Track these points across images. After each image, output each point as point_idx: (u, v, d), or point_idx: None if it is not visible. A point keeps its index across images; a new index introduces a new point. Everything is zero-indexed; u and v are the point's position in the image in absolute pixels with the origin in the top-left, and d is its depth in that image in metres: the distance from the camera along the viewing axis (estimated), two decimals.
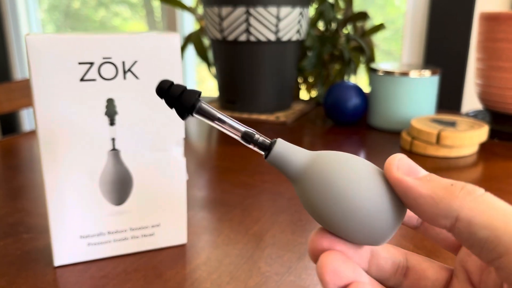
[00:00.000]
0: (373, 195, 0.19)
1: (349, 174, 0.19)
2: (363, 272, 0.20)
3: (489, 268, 0.20)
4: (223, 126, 0.21)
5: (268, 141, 0.21)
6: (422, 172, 0.19)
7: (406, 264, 0.22)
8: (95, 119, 0.34)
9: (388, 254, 0.22)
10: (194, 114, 0.21)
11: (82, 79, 0.33)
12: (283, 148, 0.21)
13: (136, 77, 0.34)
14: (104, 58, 0.33)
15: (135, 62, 0.34)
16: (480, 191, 0.17)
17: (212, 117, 0.21)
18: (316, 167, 0.20)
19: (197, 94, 0.21)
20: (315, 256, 0.21)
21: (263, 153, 0.21)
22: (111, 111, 0.34)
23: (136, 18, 2.06)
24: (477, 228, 0.17)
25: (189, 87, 0.21)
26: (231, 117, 0.21)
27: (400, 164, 0.19)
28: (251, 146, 0.21)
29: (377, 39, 1.26)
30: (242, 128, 0.21)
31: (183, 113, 0.21)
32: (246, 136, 0.21)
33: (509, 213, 0.16)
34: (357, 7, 1.01)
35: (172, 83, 0.21)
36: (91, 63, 0.33)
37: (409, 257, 0.22)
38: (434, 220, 0.18)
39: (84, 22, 2.07)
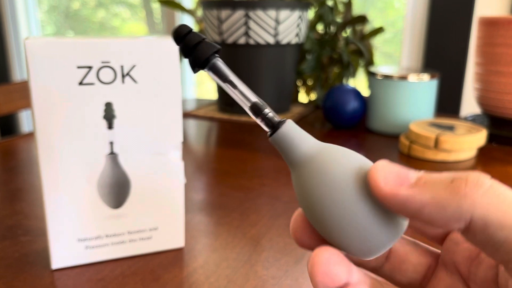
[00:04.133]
0: (373, 206, 0.17)
1: (352, 179, 0.18)
2: (355, 269, 0.19)
3: (478, 259, 0.19)
4: (233, 90, 0.20)
5: (277, 119, 0.20)
6: (412, 174, 0.17)
7: None
8: (94, 122, 0.34)
9: None
10: (206, 70, 0.20)
11: (80, 83, 0.33)
12: (291, 130, 0.19)
13: (135, 81, 0.34)
14: (102, 62, 0.33)
15: (134, 66, 0.34)
16: (487, 180, 0.15)
17: (224, 78, 0.20)
18: (320, 160, 0.18)
19: (215, 48, 0.19)
20: (299, 240, 0.20)
21: (268, 130, 0.20)
22: (109, 115, 0.34)
23: (135, 19, 2.06)
24: (494, 229, 0.15)
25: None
26: (245, 88, 0.20)
27: (386, 175, 0.17)
28: (258, 120, 0.20)
29: (377, 41, 1.26)
30: (253, 98, 0.20)
31: (194, 66, 0.20)
32: (255, 108, 0.20)
33: None
34: (357, 9, 1.01)
35: (190, 30, 0.19)
36: (90, 67, 0.33)
37: None
38: (445, 226, 0.16)
39: (84, 23, 2.08)
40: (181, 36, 0.19)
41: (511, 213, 0.15)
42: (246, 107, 0.20)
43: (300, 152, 0.19)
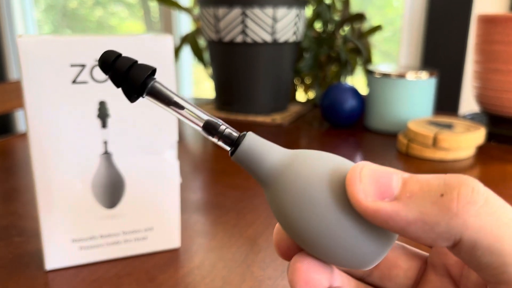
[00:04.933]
0: (356, 218, 0.16)
1: (330, 190, 0.16)
2: (337, 274, 0.18)
3: None
4: (180, 113, 0.18)
5: (235, 134, 0.18)
6: (395, 181, 0.15)
7: None
8: (87, 121, 0.33)
9: None
10: (145, 96, 0.17)
11: (74, 82, 0.32)
12: (254, 143, 0.17)
13: None
14: (96, 60, 0.32)
15: None
16: (482, 194, 0.14)
17: (167, 100, 0.17)
18: (291, 173, 0.16)
19: (150, 70, 0.17)
20: (284, 253, 0.18)
21: (228, 148, 0.18)
22: (103, 114, 0.33)
23: (133, 18, 2.06)
24: (482, 252, 0.14)
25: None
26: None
27: (365, 186, 0.15)
28: (214, 140, 0.18)
29: (376, 39, 1.26)
30: (205, 116, 0.18)
31: (130, 94, 0.17)
32: (209, 126, 0.18)
33: None
34: (355, 7, 1.01)
35: (119, 54, 0.17)
36: (83, 65, 0.32)
37: None
38: (431, 244, 0.15)
39: (81, 22, 2.07)
40: (109, 63, 0.17)
41: (502, 238, 0.14)
42: (198, 127, 0.18)
43: (268, 167, 0.17)
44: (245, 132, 0.18)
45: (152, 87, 0.17)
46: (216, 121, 0.18)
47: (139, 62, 0.17)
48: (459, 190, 0.14)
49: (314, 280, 0.17)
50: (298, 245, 0.18)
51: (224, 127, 0.18)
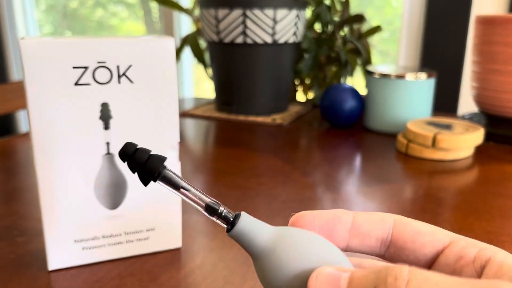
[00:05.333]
0: None
1: (301, 278, 0.19)
2: None
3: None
4: (186, 195, 0.21)
5: (231, 214, 0.21)
6: (343, 281, 0.18)
7: (390, 238, 0.21)
8: (90, 123, 0.34)
9: (372, 227, 0.21)
10: (158, 181, 0.21)
11: (76, 83, 0.33)
12: (247, 224, 0.21)
13: (131, 81, 0.34)
14: (98, 62, 0.33)
15: (130, 66, 0.34)
16: (404, 275, 0.16)
17: (176, 186, 0.21)
18: (274, 256, 0.20)
19: (163, 160, 0.21)
20: None
21: (225, 226, 0.21)
22: (105, 115, 0.34)
23: (133, 19, 2.06)
24: None
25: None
26: (192, 186, 0.21)
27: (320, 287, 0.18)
28: (214, 219, 0.21)
29: (375, 40, 1.26)
30: (206, 198, 0.21)
31: (146, 181, 0.21)
32: (210, 208, 0.21)
33: None
34: (354, 8, 1.01)
35: (136, 147, 0.21)
36: (86, 67, 0.32)
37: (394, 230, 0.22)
38: None
39: (82, 22, 2.07)
40: (129, 154, 0.20)
41: None
42: (200, 208, 0.21)
43: (258, 245, 0.20)
44: (239, 213, 0.21)
45: (164, 176, 0.21)
46: (214, 203, 0.21)
47: (146, 149, 0.21)
48: (386, 281, 0.16)
49: None
50: None
51: (222, 209, 0.21)
